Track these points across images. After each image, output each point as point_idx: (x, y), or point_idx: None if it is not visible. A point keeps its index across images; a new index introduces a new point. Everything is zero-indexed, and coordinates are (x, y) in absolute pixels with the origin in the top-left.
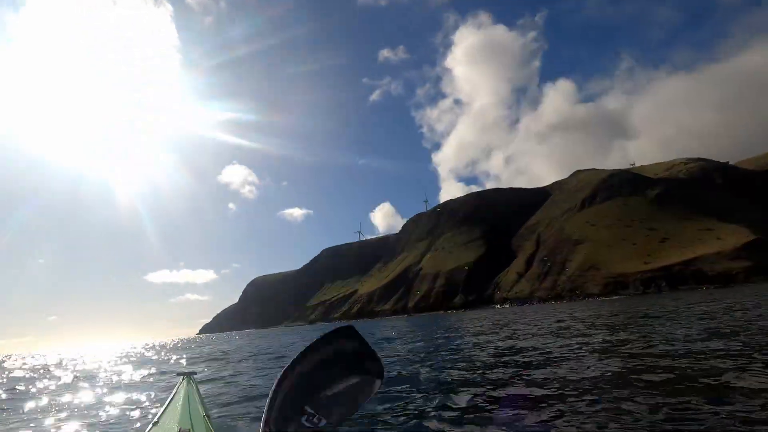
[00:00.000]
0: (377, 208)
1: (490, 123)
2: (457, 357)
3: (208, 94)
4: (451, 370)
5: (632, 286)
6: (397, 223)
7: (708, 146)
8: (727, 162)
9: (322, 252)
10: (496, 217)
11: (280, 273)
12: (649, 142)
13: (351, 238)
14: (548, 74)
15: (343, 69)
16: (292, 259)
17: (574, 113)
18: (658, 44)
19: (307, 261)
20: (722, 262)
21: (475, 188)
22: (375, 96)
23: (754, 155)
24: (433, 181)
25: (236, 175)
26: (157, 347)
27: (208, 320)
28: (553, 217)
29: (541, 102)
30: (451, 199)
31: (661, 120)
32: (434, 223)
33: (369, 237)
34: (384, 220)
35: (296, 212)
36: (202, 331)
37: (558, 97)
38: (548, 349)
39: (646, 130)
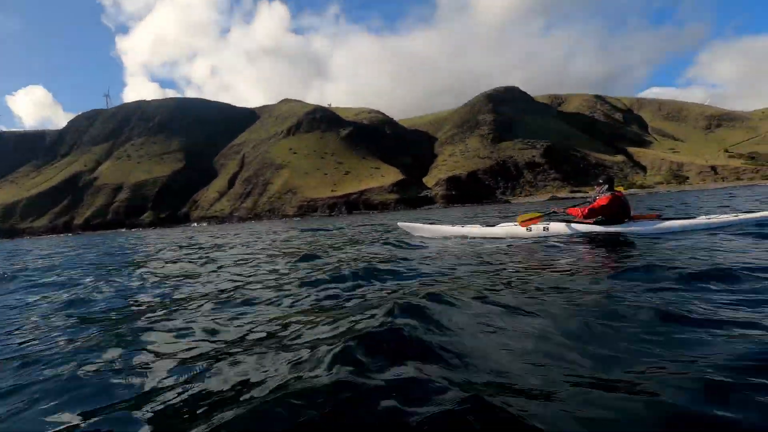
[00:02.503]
0: (21, 91)
1: (198, 23)
2: None
3: None
4: None
5: (321, 209)
6: (58, 117)
7: (383, 102)
8: (392, 118)
9: None
10: (199, 131)
11: None
12: (342, 87)
13: None
14: None
15: None
16: None
17: (285, 42)
18: (360, 3)
19: None
20: (382, 194)
21: (173, 93)
22: None
23: (409, 117)
24: (117, 72)
25: None
26: None
27: None
28: (259, 140)
29: (255, 18)
30: (143, 100)
31: (353, 73)
32: (119, 125)
33: (7, 129)
34: (35, 109)
35: None
36: None
37: (272, 18)
38: None
39: (341, 77)
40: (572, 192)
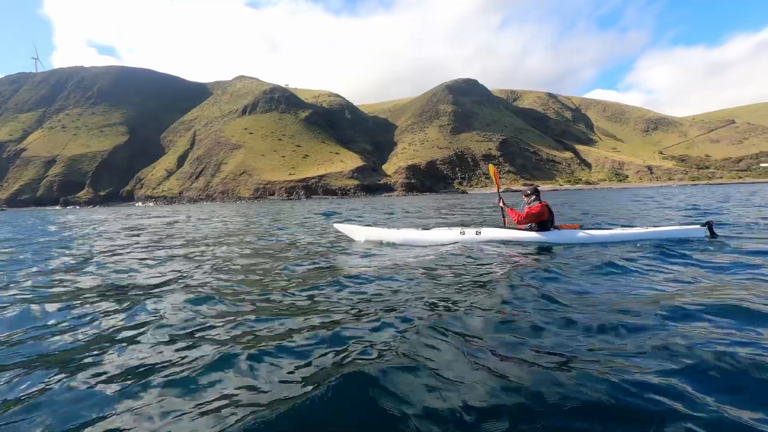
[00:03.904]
0: None
1: None
2: None
3: None
4: None
5: (278, 192)
6: None
7: (341, 85)
8: (353, 103)
9: None
10: (145, 104)
11: None
12: (299, 67)
13: None
14: None
15: None
16: None
17: (240, 16)
18: None
19: None
20: (342, 180)
21: (112, 61)
22: None
23: (368, 102)
24: (44, 33)
25: None
26: None
27: None
28: (212, 117)
29: None
30: (80, 66)
31: (311, 52)
32: (51, 91)
33: None
34: None
35: None
36: None
37: None
38: None
39: (298, 56)
40: (525, 185)
